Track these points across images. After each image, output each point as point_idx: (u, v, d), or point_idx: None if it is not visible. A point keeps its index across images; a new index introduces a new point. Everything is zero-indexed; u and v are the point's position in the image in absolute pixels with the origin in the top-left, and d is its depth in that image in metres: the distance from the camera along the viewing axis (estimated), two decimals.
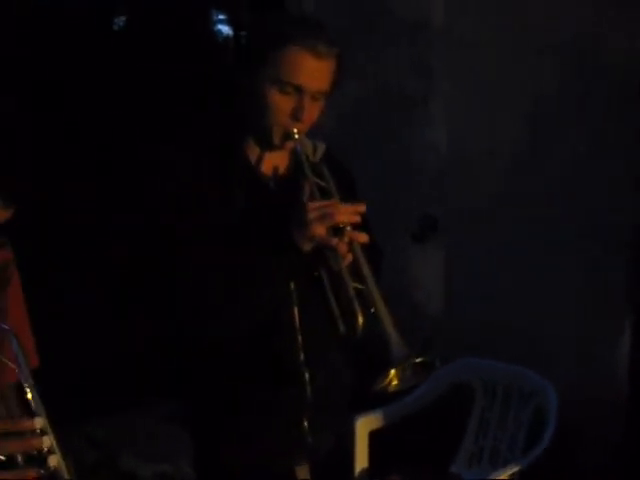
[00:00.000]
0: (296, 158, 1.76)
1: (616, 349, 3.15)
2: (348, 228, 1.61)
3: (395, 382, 1.58)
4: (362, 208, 1.64)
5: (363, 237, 1.62)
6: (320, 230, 1.60)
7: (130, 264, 1.75)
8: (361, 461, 2.52)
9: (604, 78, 3.09)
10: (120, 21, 6.65)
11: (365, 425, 2.57)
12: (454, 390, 2.71)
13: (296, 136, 1.71)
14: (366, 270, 1.61)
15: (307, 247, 1.62)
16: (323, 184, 1.71)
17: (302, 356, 1.77)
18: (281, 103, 1.68)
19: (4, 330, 1.20)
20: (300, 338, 1.76)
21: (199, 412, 1.82)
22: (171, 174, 1.70)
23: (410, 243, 3.41)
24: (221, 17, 6.98)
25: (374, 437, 2.57)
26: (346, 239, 1.60)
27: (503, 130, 3.31)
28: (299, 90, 1.67)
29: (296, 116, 1.68)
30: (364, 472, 2.54)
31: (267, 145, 1.75)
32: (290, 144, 1.73)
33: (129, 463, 2.69)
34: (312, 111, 1.71)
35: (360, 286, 1.60)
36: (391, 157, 3.45)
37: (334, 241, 1.60)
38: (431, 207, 3.38)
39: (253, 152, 1.78)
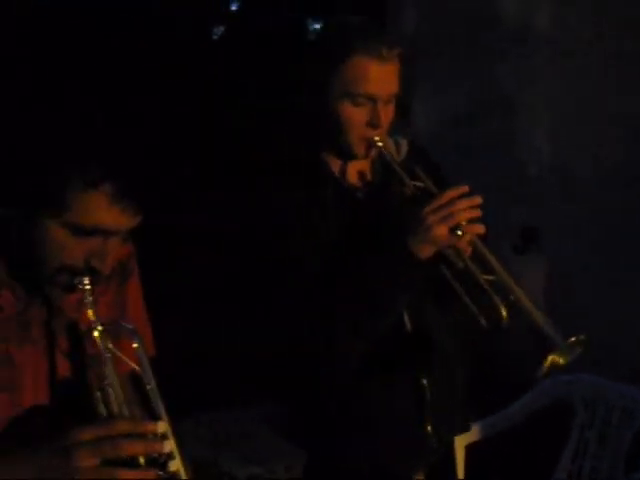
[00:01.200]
0: (384, 165, 1.75)
1: None
2: (464, 222, 1.58)
3: (556, 363, 1.54)
4: (478, 200, 1.61)
5: (480, 228, 1.60)
6: (442, 231, 1.57)
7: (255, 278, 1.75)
8: (458, 474, 2.48)
9: None
10: (218, 31, 6.80)
11: (462, 438, 2.53)
12: (554, 405, 2.65)
13: (379, 143, 1.70)
14: (492, 260, 1.58)
15: (428, 253, 1.60)
16: (421, 184, 1.69)
17: (417, 359, 1.77)
18: (356, 116, 1.68)
19: (128, 330, 1.24)
20: (414, 344, 1.75)
21: (311, 417, 1.81)
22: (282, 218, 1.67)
23: (511, 255, 3.36)
24: (316, 26, 7.05)
25: (471, 450, 2.54)
26: (466, 235, 1.58)
27: (606, 140, 3.24)
28: (371, 98, 1.67)
29: (373, 124, 1.68)
30: None
31: (350, 158, 1.75)
32: (374, 152, 1.72)
33: (228, 463, 2.73)
34: (387, 115, 1.71)
35: (490, 277, 1.57)
36: (493, 167, 3.42)
37: (454, 239, 1.58)
38: (532, 218, 3.33)
39: (335, 164, 1.77)
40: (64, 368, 1.32)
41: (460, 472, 2.50)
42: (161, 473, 1.12)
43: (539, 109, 3.40)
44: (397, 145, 1.83)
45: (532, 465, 2.68)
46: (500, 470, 2.82)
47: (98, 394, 1.19)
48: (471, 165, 3.37)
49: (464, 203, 1.59)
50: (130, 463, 1.10)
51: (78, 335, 1.33)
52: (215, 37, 6.70)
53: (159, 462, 1.12)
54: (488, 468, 2.64)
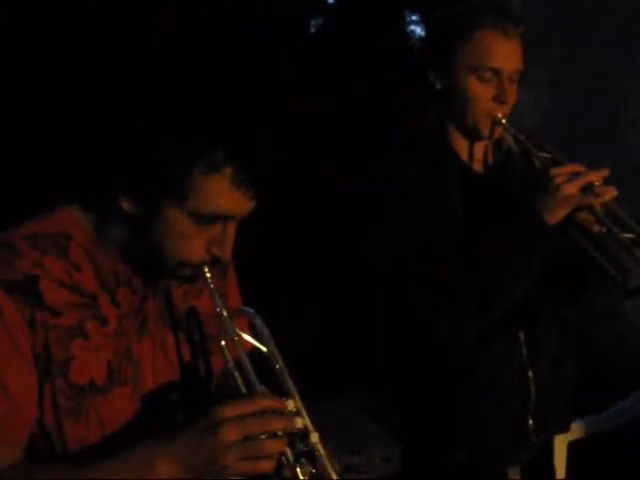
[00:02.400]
0: (512, 139, 1.75)
1: None
2: (597, 183, 1.57)
3: None
4: (606, 172, 1.60)
5: (612, 190, 1.58)
6: (572, 190, 1.57)
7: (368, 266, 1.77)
8: (559, 472, 2.44)
9: None
10: (317, 23, 6.85)
11: (564, 436, 2.48)
12: None
13: (503, 121, 1.71)
14: (628, 218, 1.57)
15: (559, 216, 1.58)
16: (550, 156, 1.68)
17: (524, 352, 1.75)
18: (483, 92, 1.69)
19: (249, 312, 1.26)
20: (522, 334, 1.74)
21: (411, 407, 1.84)
22: (409, 188, 1.70)
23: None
24: (414, 18, 7.01)
25: (573, 448, 2.49)
26: (599, 197, 1.57)
27: None
28: (497, 74, 1.68)
29: (499, 100, 1.69)
30: None
31: (476, 137, 1.76)
32: (499, 130, 1.72)
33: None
34: (512, 93, 1.71)
35: (630, 235, 1.55)
36: (612, 159, 3.31)
37: (589, 199, 1.57)
38: None
39: (462, 146, 1.79)
40: (187, 354, 1.35)
41: (561, 471, 2.47)
42: (304, 447, 1.14)
43: None
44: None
45: (635, 469, 2.61)
46: (602, 471, 2.75)
47: (236, 374, 1.21)
48: (591, 158, 3.28)
49: (593, 171, 1.59)
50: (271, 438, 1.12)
51: (199, 320, 1.36)
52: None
53: (297, 437, 1.14)
54: (590, 468, 2.58)
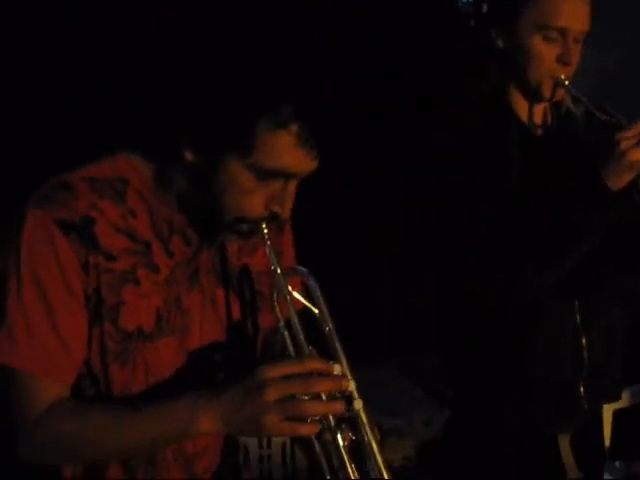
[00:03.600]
0: (572, 101, 1.73)
1: None
2: None
3: None
4: None
5: None
6: (638, 155, 1.54)
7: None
8: (605, 440, 2.43)
9: None
10: None
11: (611, 404, 2.47)
12: None
13: (566, 82, 1.68)
14: None
15: (623, 181, 1.56)
16: (614, 120, 1.66)
17: (578, 318, 1.74)
18: (547, 51, 1.66)
19: (302, 272, 1.26)
20: (577, 301, 1.73)
21: (463, 373, 1.83)
22: (468, 154, 1.68)
23: None
24: None
25: (619, 417, 2.48)
26: None
27: None
28: (563, 33, 1.65)
29: (563, 60, 1.66)
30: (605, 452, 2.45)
31: (537, 98, 1.73)
32: (561, 92, 1.70)
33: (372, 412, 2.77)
34: (576, 54, 1.69)
35: None
36: None
37: None
38: None
39: (521, 107, 1.76)
40: (236, 311, 1.36)
41: (607, 438, 2.45)
42: (347, 412, 1.13)
43: None
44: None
45: None
46: None
47: (286, 334, 1.22)
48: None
49: None
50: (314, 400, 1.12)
51: (251, 278, 1.37)
52: None
53: (342, 400, 1.13)
54: (635, 436, 2.57)
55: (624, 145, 1.54)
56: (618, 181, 1.56)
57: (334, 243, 4.64)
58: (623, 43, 3.35)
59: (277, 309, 1.26)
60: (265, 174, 1.18)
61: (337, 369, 1.14)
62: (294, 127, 1.14)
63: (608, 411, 2.44)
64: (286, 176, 1.20)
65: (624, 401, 2.50)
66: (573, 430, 1.82)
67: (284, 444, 2.41)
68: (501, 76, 1.77)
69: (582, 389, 1.77)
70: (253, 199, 1.21)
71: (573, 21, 1.65)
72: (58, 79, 4.89)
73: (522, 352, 1.74)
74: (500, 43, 1.72)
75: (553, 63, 1.67)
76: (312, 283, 1.21)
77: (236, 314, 1.36)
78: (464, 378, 1.84)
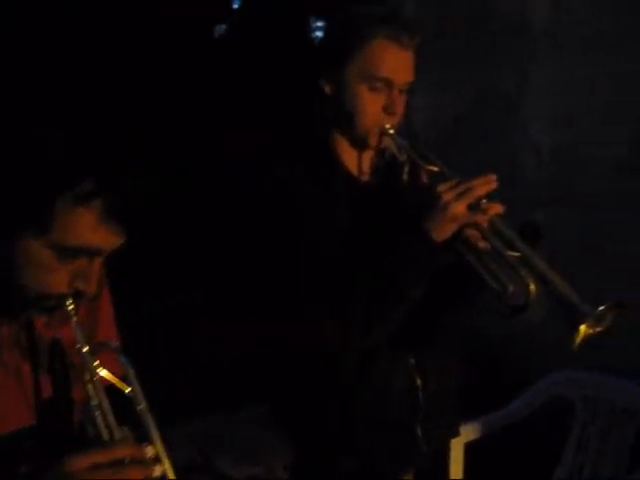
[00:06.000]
0: (392, 156, 1.73)
1: None
2: (484, 201, 1.54)
3: (588, 333, 1.46)
4: (493, 177, 1.57)
5: (499, 208, 1.55)
6: (460, 208, 1.53)
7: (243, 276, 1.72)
8: (456, 473, 2.45)
9: None
10: (221, 29, 6.78)
11: (460, 437, 2.50)
12: (554, 403, 2.61)
13: (391, 131, 1.68)
14: (514, 237, 1.52)
15: (446, 233, 1.55)
16: (436, 169, 1.66)
17: (412, 361, 1.74)
18: (373, 101, 1.66)
19: (114, 348, 1.20)
20: (412, 345, 1.72)
21: (301, 417, 1.79)
22: (287, 194, 1.66)
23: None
24: (319, 24, 7.02)
25: (471, 448, 2.51)
26: (485, 212, 1.53)
27: (606, 132, 3.19)
28: (389, 84, 1.65)
29: (388, 110, 1.66)
30: None
31: (362, 147, 1.73)
32: (386, 141, 1.70)
33: (224, 464, 2.70)
34: (402, 104, 1.70)
35: (515, 254, 1.51)
36: (490, 158, 3.37)
37: (477, 217, 1.53)
38: (534, 213, 3.27)
39: (347, 154, 1.75)
40: (47, 388, 1.27)
41: (458, 472, 2.48)
42: None
43: (539, 99, 3.35)
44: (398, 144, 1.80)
45: (533, 463, 2.65)
46: (501, 468, 2.78)
47: (97, 413, 1.16)
48: (468, 157, 3.33)
49: (480, 180, 1.56)
50: None
51: (61, 353, 1.29)
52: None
53: None
54: (488, 466, 2.61)
55: (446, 198, 1.53)
56: (442, 233, 1.55)
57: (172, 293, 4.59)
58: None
59: (88, 387, 1.19)
60: (67, 252, 1.12)
61: (150, 451, 1.11)
62: (96, 203, 1.10)
63: (458, 444, 2.48)
64: (90, 253, 1.15)
65: (474, 433, 2.55)
66: (415, 471, 1.81)
67: None
68: (325, 123, 1.75)
69: (419, 430, 1.77)
70: (55, 277, 1.14)
71: (398, 73, 1.66)
72: None
73: (355, 399, 1.72)
74: (327, 89, 1.71)
75: (379, 113, 1.66)
76: (123, 359, 1.17)
77: (47, 391, 1.28)
78: (302, 421, 1.80)
